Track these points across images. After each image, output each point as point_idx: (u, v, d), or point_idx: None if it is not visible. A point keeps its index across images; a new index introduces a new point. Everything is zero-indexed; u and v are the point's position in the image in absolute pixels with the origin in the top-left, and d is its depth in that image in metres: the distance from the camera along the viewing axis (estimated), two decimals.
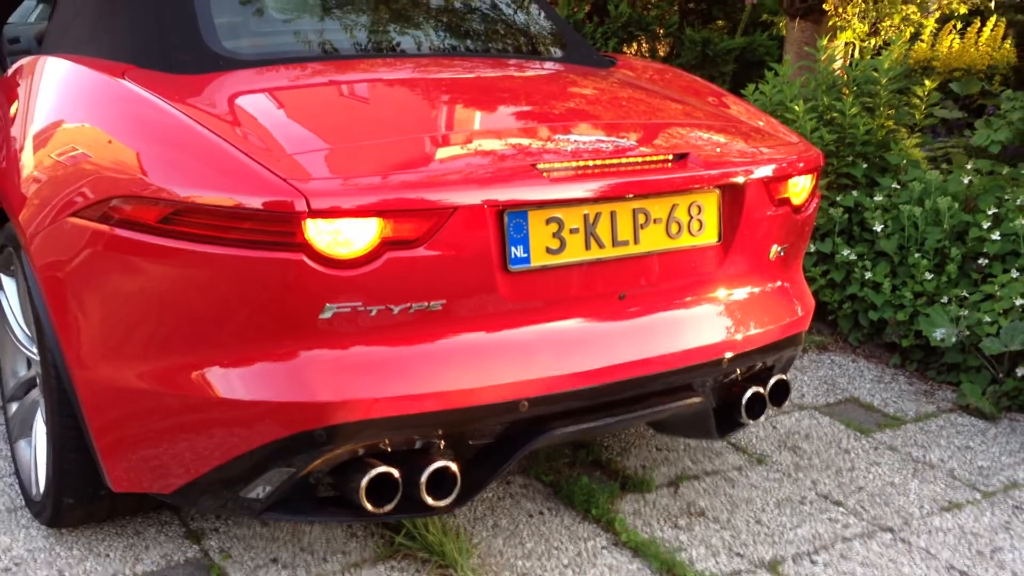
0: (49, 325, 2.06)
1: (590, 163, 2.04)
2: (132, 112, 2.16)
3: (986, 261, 3.37)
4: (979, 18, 7.03)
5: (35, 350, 2.32)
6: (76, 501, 2.18)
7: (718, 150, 2.29)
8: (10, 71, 2.67)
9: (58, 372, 2.06)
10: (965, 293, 3.33)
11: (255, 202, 1.78)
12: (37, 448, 2.33)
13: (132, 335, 1.97)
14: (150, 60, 2.30)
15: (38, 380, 2.39)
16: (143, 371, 1.94)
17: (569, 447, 2.80)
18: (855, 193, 3.77)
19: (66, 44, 2.52)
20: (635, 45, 6.32)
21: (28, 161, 2.25)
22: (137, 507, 2.35)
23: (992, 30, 7.01)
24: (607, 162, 2.06)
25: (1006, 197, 3.50)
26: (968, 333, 3.22)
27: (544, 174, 1.97)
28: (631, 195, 2.06)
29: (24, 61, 2.64)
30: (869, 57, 4.69)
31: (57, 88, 2.40)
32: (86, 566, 2.22)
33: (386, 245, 1.82)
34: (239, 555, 2.27)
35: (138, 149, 2.03)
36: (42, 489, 2.27)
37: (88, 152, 2.10)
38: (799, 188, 2.38)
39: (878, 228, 3.58)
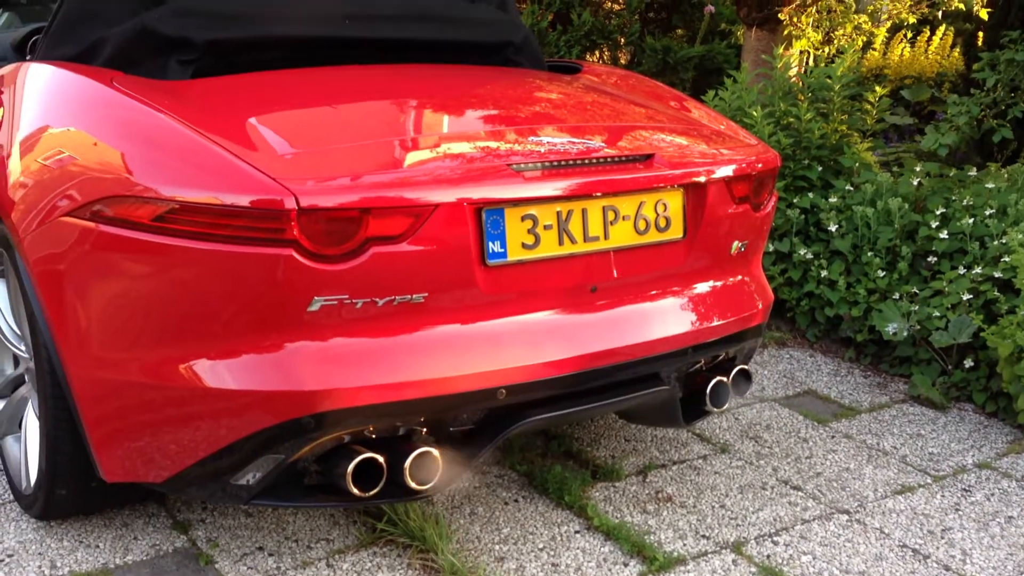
0: (43, 321, 2.13)
1: (562, 163, 2.15)
2: (119, 115, 2.24)
3: (935, 259, 3.54)
4: (928, 27, 7.28)
5: (24, 348, 2.38)
6: (68, 492, 2.25)
7: (682, 151, 2.42)
8: None
9: (52, 367, 2.13)
10: (915, 289, 3.50)
11: (246, 200, 1.87)
12: (28, 443, 2.39)
13: (124, 330, 2.04)
14: (135, 65, 2.39)
15: (27, 377, 2.46)
16: (135, 364, 2.02)
17: (541, 438, 2.91)
18: (811, 195, 3.92)
19: (55, 52, 2.58)
20: (597, 53, 6.46)
21: (16, 165, 2.32)
22: (126, 497, 2.42)
23: (941, 39, 7.26)
24: (578, 162, 2.17)
25: (953, 198, 3.67)
26: (919, 327, 3.38)
27: (520, 174, 2.08)
28: (601, 193, 2.18)
29: (6, 68, 2.70)
30: (823, 65, 4.86)
31: (42, 93, 2.47)
32: (77, 556, 2.29)
33: (371, 240, 1.92)
34: (226, 544, 2.35)
35: (125, 150, 2.10)
36: (33, 482, 2.33)
37: (75, 155, 2.17)
38: (758, 187, 2.51)
39: (833, 228, 3.74)
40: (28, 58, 3.45)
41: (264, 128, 2.15)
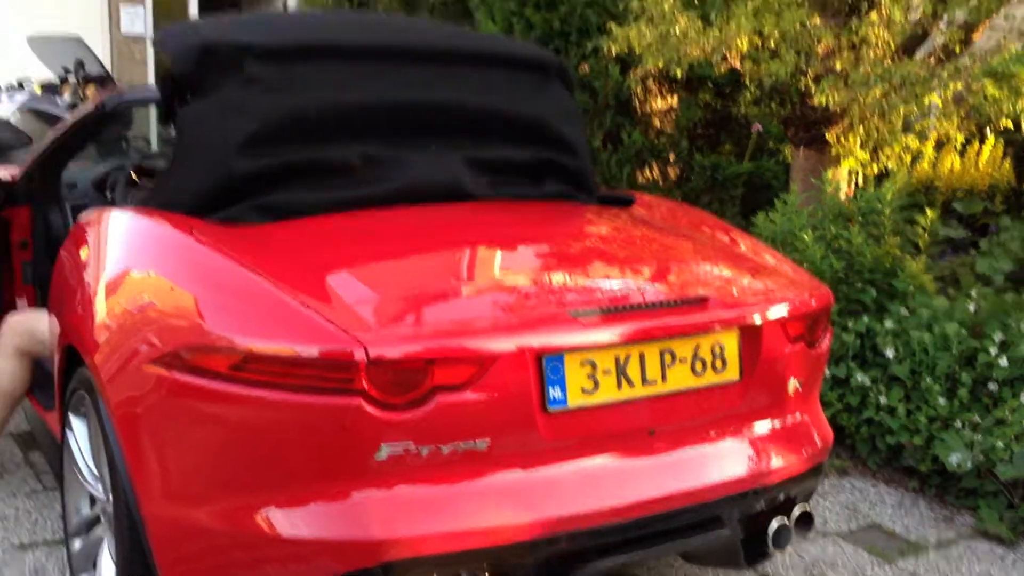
0: (122, 464, 2.21)
1: (619, 308, 2.21)
2: (195, 261, 2.37)
3: (996, 386, 3.50)
4: (978, 139, 7.31)
5: (101, 488, 2.46)
6: None
7: (736, 291, 2.47)
8: (80, 220, 2.89)
9: (129, 509, 2.20)
10: (977, 418, 3.45)
11: (317, 351, 1.95)
12: None
13: (198, 474, 2.12)
14: (210, 213, 2.52)
15: (102, 517, 2.53)
16: (208, 509, 2.08)
17: None
18: (866, 318, 3.93)
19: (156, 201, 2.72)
20: (647, 170, 6.59)
21: (101, 307, 2.44)
22: None
23: (992, 151, 7.28)
24: (635, 307, 2.23)
25: (1011, 323, 3.65)
26: (983, 458, 3.33)
27: (578, 320, 2.14)
28: (658, 337, 2.23)
29: (91, 213, 2.86)
30: (872, 184, 4.92)
31: (125, 238, 2.61)
32: None
33: (436, 389, 1.98)
34: None
35: (200, 297, 2.21)
36: None
37: (155, 300, 2.29)
38: (812, 325, 2.54)
39: (890, 353, 3.73)
40: (108, 195, 3.66)
41: (333, 277, 2.25)
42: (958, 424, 3.47)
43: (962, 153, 7.37)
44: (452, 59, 2.97)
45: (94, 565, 2.55)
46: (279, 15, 3.11)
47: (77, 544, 2.65)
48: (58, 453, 2.82)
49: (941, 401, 3.54)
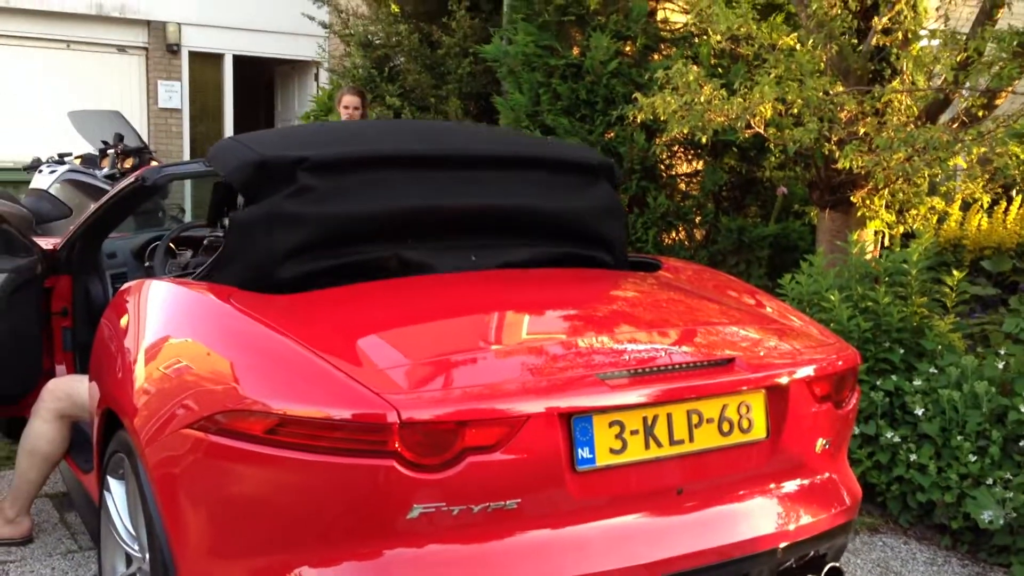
0: (159, 523, 2.27)
1: (646, 370, 2.26)
2: (232, 327, 2.45)
3: None
4: (1005, 198, 7.33)
5: (137, 547, 2.51)
6: None
7: (762, 353, 2.51)
8: (121, 289, 2.99)
9: (166, 567, 2.25)
10: (1009, 475, 3.44)
11: (350, 414, 2.01)
12: None
13: (233, 534, 2.17)
14: (251, 283, 2.61)
15: None
16: (243, 569, 2.13)
17: None
18: (894, 377, 3.93)
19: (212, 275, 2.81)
20: (673, 233, 6.66)
21: (140, 372, 2.52)
22: None
23: (1019, 209, 7.29)
24: (661, 369, 2.28)
25: None
26: (1015, 515, 3.30)
27: (605, 382, 2.18)
28: (685, 398, 2.26)
29: (131, 283, 2.96)
30: (899, 244, 4.94)
31: (165, 306, 2.71)
32: None
33: (467, 451, 2.03)
34: None
35: (236, 362, 2.28)
36: None
37: (191, 364, 2.36)
38: (839, 385, 2.57)
39: (919, 412, 3.73)
40: (147, 265, 3.77)
41: (366, 342, 2.32)
42: (989, 481, 3.46)
43: (989, 212, 7.38)
44: (493, 164, 3.05)
45: None
46: (328, 125, 3.23)
47: None
48: (95, 514, 2.88)
49: (972, 458, 3.53)
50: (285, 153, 2.74)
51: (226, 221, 2.96)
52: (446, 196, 2.88)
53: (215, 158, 2.95)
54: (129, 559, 2.66)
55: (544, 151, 3.21)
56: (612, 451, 2.18)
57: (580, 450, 2.14)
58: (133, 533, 2.56)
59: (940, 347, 4.01)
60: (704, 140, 4.82)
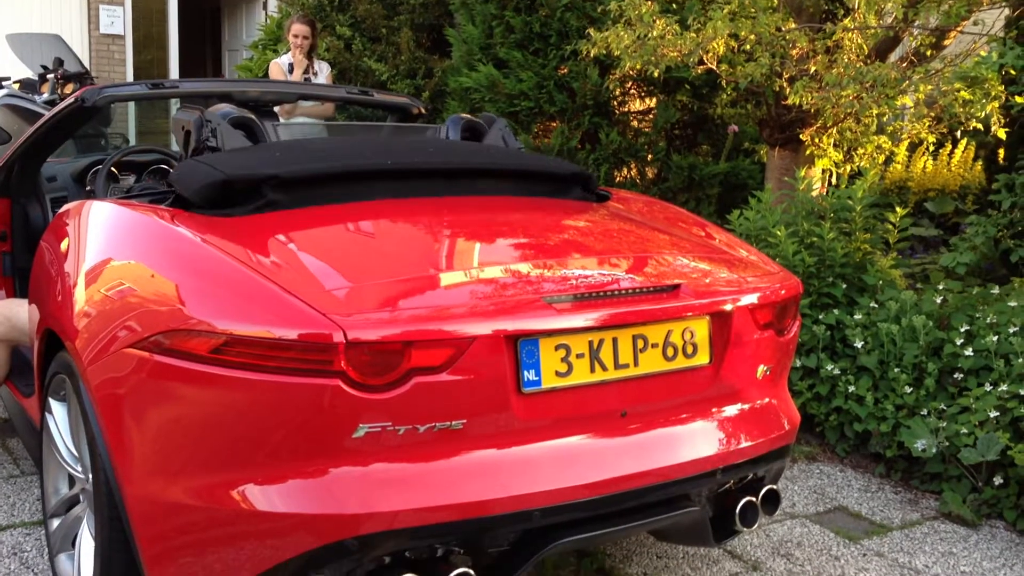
0: (102, 444, 2.25)
1: (593, 294, 2.28)
2: (176, 249, 2.41)
3: (961, 376, 3.59)
4: (950, 141, 7.45)
5: (80, 468, 2.50)
6: None
7: (707, 280, 2.54)
8: (60, 212, 2.92)
9: (109, 487, 2.24)
10: (943, 406, 3.54)
11: (296, 333, 2.00)
12: (81, 560, 2.48)
13: (178, 454, 2.16)
14: (195, 205, 2.56)
15: (82, 497, 2.57)
16: (187, 487, 2.13)
17: (575, 556, 2.96)
18: (836, 312, 4.01)
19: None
20: (624, 170, 6.67)
21: (81, 295, 2.48)
22: None
23: (963, 152, 7.42)
24: (608, 293, 2.30)
25: (977, 315, 3.74)
26: (947, 444, 3.42)
27: (552, 306, 2.20)
28: (631, 323, 2.29)
29: (71, 205, 2.89)
30: (845, 183, 5.01)
31: (106, 228, 2.65)
32: None
33: (413, 371, 2.04)
34: None
35: (180, 283, 2.25)
36: None
37: (134, 286, 2.33)
38: (781, 313, 2.61)
39: (859, 345, 3.82)
40: (87, 189, 3.69)
41: (312, 263, 2.30)
42: (924, 412, 3.56)
43: (934, 155, 7.50)
44: (466, 177, 3.00)
45: (73, 543, 2.59)
46: (292, 143, 3.06)
47: (55, 523, 2.69)
48: (36, 437, 2.85)
49: (908, 390, 3.63)
50: (251, 172, 2.61)
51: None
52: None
53: (178, 180, 2.74)
54: (72, 480, 2.65)
55: (519, 163, 3.17)
56: (558, 374, 2.20)
57: (526, 372, 2.16)
58: (76, 454, 2.54)
59: (881, 282, 4.10)
60: (656, 75, 4.80)
